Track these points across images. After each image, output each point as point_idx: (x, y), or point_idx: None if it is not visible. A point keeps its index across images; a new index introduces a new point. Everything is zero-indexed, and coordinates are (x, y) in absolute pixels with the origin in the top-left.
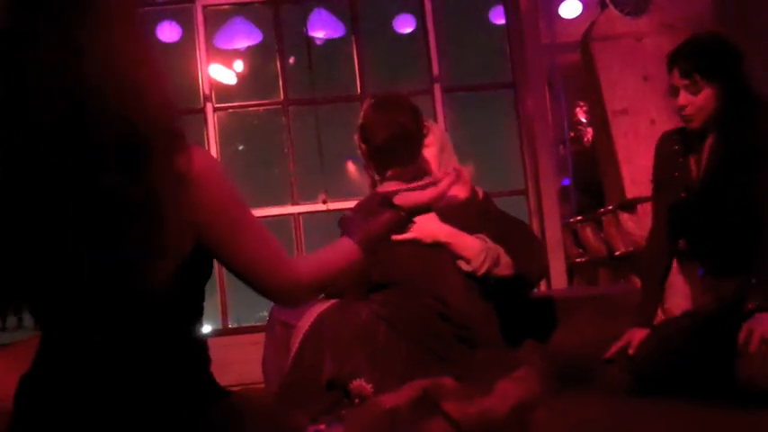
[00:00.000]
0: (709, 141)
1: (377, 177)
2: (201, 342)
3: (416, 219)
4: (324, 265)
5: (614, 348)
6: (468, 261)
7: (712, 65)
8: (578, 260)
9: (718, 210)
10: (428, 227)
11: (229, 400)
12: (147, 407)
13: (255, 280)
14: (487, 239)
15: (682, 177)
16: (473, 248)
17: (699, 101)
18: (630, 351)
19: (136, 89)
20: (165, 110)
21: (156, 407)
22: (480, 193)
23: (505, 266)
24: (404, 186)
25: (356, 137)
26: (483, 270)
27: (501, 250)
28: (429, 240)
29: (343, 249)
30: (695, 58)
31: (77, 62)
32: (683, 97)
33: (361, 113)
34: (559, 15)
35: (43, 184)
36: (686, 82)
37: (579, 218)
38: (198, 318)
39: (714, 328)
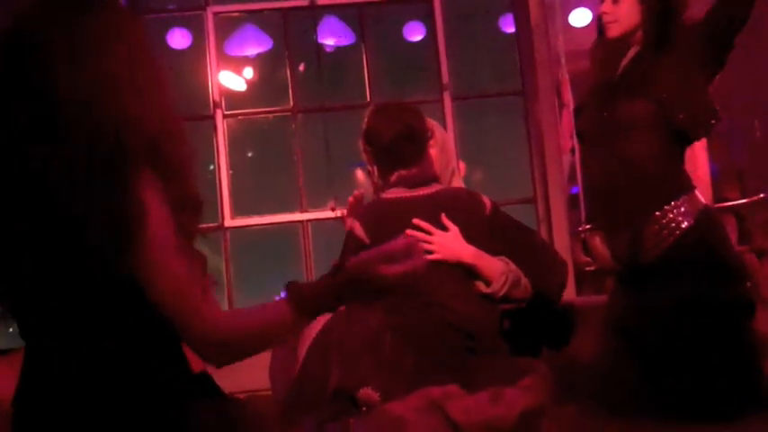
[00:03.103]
0: (629, 56)
1: (381, 182)
2: (173, 337)
3: (442, 239)
4: (248, 320)
5: None
6: (488, 283)
7: None
8: (587, 269)
9: (613, 148)
10: (453, 247)
11: (222, 402)
12: (131, 405)
13: (172, 310)
14: (509, 262)
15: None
16: (495, 271)
17: (620, 11)
18: None
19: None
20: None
21: (138, 405)
22: (488, 205)
23: (524, 289)
24: (405, 193)
25: (360, 142)
26: (502, 293)
27: (521, 273)
28: (453, 261)
29: (274, 309)
30: None
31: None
32: (606, 4)
33: (365, 120)
34: (569, 24)
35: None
36: None
37: (588, 226)
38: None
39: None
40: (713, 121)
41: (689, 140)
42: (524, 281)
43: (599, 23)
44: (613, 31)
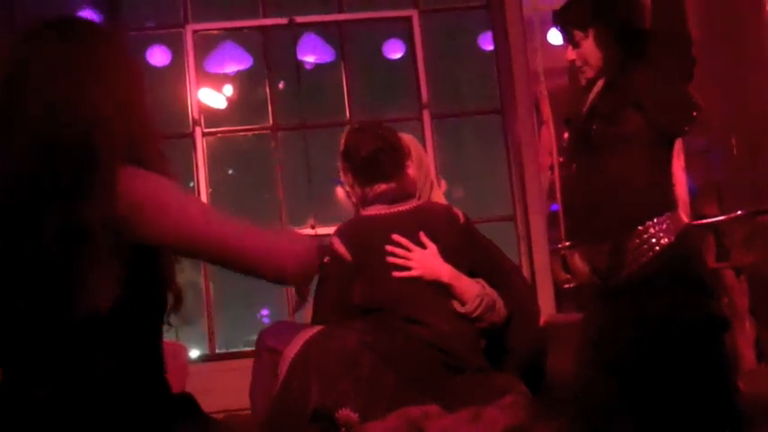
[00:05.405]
0: (598, 85)
1: (360, 199)
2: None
3: (421, 256)
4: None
5: None
6: (463, 303)
7: (580, 15)
8: (567, 286)
9: (591, 161)
10: (431, 264)
11: (205, 423)
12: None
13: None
14: (486, 285)
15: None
16: (471, 293)
17: (583, 52)
18: None
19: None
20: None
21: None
22: (461, 215)
23: (498, 314)
24: (385, 209)
25: (339, 161)
26: (477, 314)
27: (496, 295)
28: (431, 278)
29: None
30: (564, 14)
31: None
32: (570, 53)
33: (342, 141)
34: (548, 41)
35: None
36: (565, 38)
37: (568, 243)
38: (151, 339)
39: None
40: (694, 114)
41: (674, 137)
42: (499, 305)
43: (570, 68)
44: (589, 74)
